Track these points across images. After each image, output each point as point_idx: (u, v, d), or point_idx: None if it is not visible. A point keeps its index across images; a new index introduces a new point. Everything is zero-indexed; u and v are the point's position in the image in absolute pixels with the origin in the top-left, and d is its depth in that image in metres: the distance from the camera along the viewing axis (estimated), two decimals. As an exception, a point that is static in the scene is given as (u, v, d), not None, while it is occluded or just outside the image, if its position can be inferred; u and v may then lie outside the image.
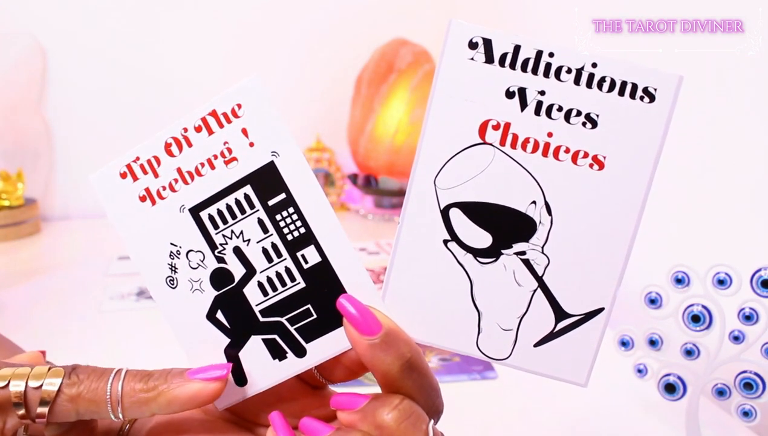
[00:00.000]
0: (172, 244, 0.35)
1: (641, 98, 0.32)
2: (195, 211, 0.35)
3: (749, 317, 0.53)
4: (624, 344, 0.61)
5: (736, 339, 0.54)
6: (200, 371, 0.33)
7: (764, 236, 0.71)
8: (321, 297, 0.34)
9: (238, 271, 0.35)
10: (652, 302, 0.58)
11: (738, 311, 0.53)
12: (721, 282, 0.54)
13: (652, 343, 0.59)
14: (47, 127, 1.37)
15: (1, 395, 0.31)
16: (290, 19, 1.47)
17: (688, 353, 0.56)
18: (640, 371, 0.61)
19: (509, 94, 0.32)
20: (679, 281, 0.56)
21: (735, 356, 0.54)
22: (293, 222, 0.34)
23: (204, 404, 0.32)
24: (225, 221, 0.34)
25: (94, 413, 0.31)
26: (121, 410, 0.31)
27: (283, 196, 0.34)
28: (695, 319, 0.55)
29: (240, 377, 0.35)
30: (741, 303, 0.53)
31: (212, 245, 0.35)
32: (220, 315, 0.35)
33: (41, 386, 0.31)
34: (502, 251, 0.34)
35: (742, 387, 0.54)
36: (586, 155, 0.33)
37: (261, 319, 0.35)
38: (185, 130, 0.34)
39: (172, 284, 0.35)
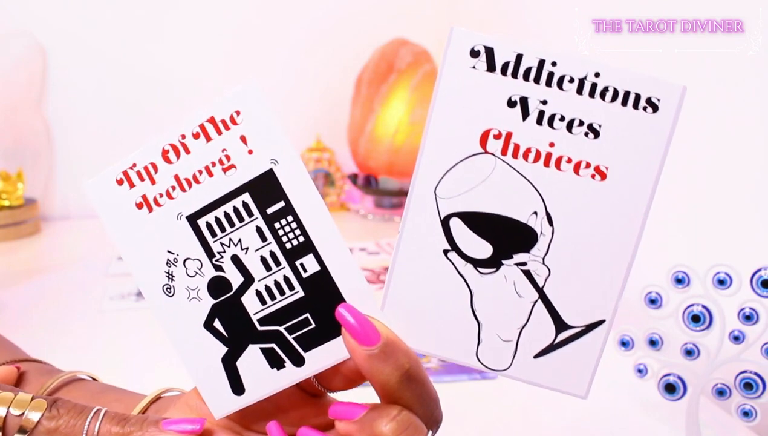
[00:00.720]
0: (169, 251, 0.35)
1: (644, 109, 0.32)
2: (193, 218, 0.34)
3: (749, 317, 0.53)
4: (624, 344, 0.61)
5: (736, 339, 0.54)
6: (174, 422, 0.34)
7: (764, 236, 0.70)
8: (320, 306, 0.34)
9: (236, 279, 0.34)
10: (652, 302, 0.58)
11: (738, 311, 0.53)
12: (721, 282, 0.54)
13: (652, 343, 0.59)
14: (47, 127, 1.37)
15: None
16: (290, 19, 1.46)
17: (688, 353, 0.56)
18: (640, 371, 0.61)
19: (511, 104, 0.32)
20: (679, 281, 0.56)
21: (735, 356, 0.54)
22: (292, 230, 0.34)
23: None
24: (223, 229, 0.34)
25: None
26: None
27: (282, 204, 0.34)
28: (695, 319, 0.55)
29: (238, 386, 0.35)
30: (741, 303, 0.53)
31: (210, 253, 0.34)
32: (217, 324, 0.35)
33: (23, 414, 0.32)
34: (503, 262, 0.33)
35: (742, 387, 0.54)
36: (588, 166, 0.32)
37: (259, 328, 0.35)
38: (183, 136, 0.34)
39: (169, 292, 0.35)
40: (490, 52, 0.32)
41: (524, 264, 0.33)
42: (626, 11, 0.80)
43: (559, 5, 1.05)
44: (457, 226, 0.33)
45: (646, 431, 0.62)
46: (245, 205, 0.34)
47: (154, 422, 0.33)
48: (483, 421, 0.63)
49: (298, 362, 0.35)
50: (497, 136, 0.32)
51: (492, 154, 0.33)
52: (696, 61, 0.74)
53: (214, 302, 0.35)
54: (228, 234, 0.34)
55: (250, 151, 0.33)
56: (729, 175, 0.75)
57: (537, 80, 0.32)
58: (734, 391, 0.55)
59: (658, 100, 0.32)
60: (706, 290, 0.55)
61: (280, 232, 0.34)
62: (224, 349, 0.35)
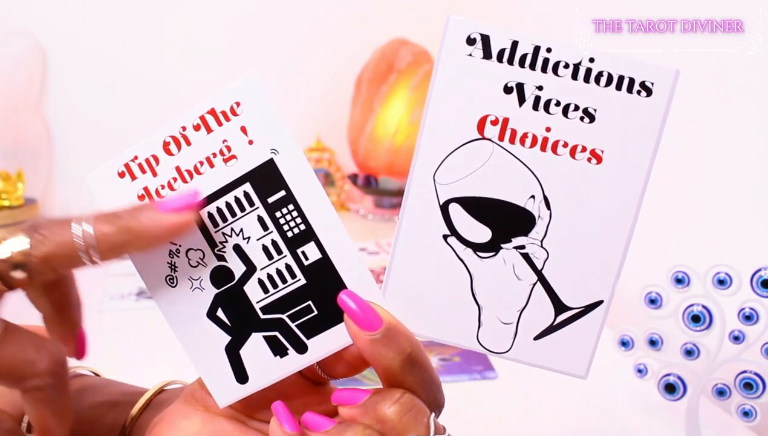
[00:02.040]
0: (171, 242, 0.35)
1: (638, 92, 0.32)
2: None
3: (749, 317, 0.53)
4: (624, 344, 0.61)
5: (736, 339, 0.54)
6: (169, 202, 0.32)
7: (764, 236, 0.71)
8: (322, 293, 0.34)
9: (238, 268, 0.35)
10: (652, 302, 0.58)
11: (738, 311, 0.53)
12: (721, 282, 0.54)
13: (652, 343, 0.59)
14: (47, 127, 1.37)
15: None
16: (290, 19, 1.47)
17: (688, 353, 0.56)
18: (640, 371, 0.61)
19: (507, 90, 0.32)
20: (679, 281, 0.56)
21: (735, 356, 0.54)
22: (293, 219, 0.34)
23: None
24: (225, 219, 0.34)
25: (69, 266, 0.31)
26: (97, 256, 0.30)
27: (282, 193, 0.34)
28: (695, 319, 0.55)
29: (241, 375, 0.35)
30: (741, 303, 0.53)
31: (212, 243, 0.34)
32: (220, 313, 0.35)
33: (10, 257, 0.30)
34: (502, 246, 0.34)
35: (742, 387, 0.54)
36: (584, 149, 0.33)
37: (262, 316, 0.35)
38: (184, 128, 0.34)
39: (172, 283, 0.35)
40: (486, 39, 0.32)
41: (523, 247, 0.34)
42: (626, 11, 0.81)
43: (559, 5, 1.05)
44: (456, 211, 0.33)
45: (646, 431, 0.62)
46: (246, 195, 0.34)
47: (148, 208, 0.31)
48: (483, 421, 0.63)
49: (301, 349, 0.35)
50: (494, 122, 0.33)
51: (489, 139, 0.33)
52: (696, 61, 0.75)
53: (216, 291, 0.35)
54: (230, 224, 0.34)
55: (251, 142, 0.34)
56: (729, 175, 0.75)
57: (533, 66, 0.32)
58: (734, 391, 0.55)
59: (652, 83, 0.32)
60: (706, 290, 0.55)
61: (281, 220, 0.34)
62: (227, 338, 0.35)
